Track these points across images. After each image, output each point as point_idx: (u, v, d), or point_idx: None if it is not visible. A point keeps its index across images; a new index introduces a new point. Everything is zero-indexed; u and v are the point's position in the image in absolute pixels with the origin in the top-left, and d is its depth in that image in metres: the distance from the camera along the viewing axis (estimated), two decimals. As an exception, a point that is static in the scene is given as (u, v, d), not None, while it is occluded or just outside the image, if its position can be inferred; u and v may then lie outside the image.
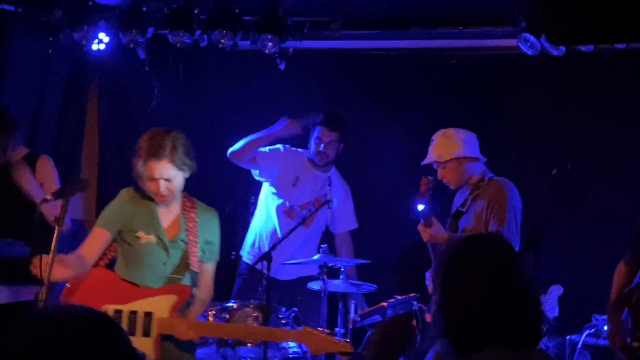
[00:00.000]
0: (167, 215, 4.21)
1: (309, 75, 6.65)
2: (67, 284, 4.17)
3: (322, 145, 5.87)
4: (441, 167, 4.75)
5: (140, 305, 4.02)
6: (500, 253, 2.28)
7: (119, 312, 4.01)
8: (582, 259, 5.73)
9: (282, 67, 6.34)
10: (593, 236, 5.72)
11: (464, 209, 4.70)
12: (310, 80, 6.68)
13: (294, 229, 5.28)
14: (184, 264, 4.17)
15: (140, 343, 3.93)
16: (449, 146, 4.72)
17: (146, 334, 3.98)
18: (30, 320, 1.31)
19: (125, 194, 4.24)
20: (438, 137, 4.79)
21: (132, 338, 3.67)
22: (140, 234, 4.14)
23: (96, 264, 4.27)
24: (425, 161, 4.80)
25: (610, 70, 5.92)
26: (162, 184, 4.04)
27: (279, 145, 5.97)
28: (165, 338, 4.04)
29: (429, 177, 4.53)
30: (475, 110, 6.18)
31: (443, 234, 4.46)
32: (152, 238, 4.14)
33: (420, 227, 4.51)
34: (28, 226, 4.63)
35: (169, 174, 4.03)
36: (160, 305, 4.01)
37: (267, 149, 5.93)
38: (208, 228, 4.25)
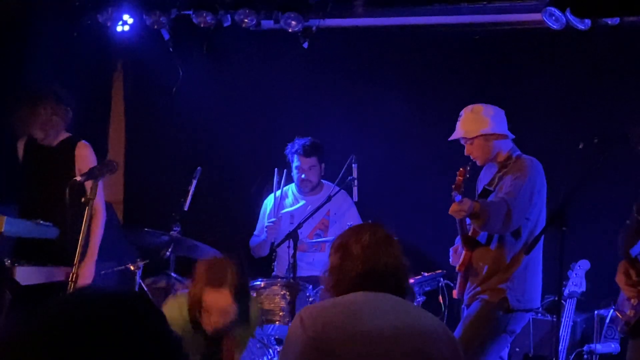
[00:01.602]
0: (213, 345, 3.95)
1: (333, 53, 6.64)
2: None
3: (303, 175, 5.98)
4: (468, 143, 4.73)
5: None
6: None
7: None
8: (609, 234, 5.69)
9: (305, 45, 6.33)
10: (620, 211, 5.69)
11: (492, 188, 4.68)
12: (333, 59, 6.67)
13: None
14: None
15: None
16: (476, 122, 4.70)
17: None
18: (61, 301, 1.33)
19: (176, 315, 3.81)
20: (466, 113, 4.77)
21: None
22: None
23: None
24: (453, 137, 4.79)
25: (636, 43, 5.85)
26: (216, 317, 3.76)
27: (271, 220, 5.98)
28: None
29: (467, 167, 4.52)
30: (500, 86, 6.15)
31: (475, 205, 4.46)
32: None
33: (453, 207, 4.48)
34: (60, 208, 4.69)
35: (227, 307, 3.77)
36: None
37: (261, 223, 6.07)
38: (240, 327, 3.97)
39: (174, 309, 3.84)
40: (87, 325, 1.22)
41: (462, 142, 4.76)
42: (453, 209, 4.46)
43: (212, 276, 3.75)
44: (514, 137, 4.79)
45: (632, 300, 4.16)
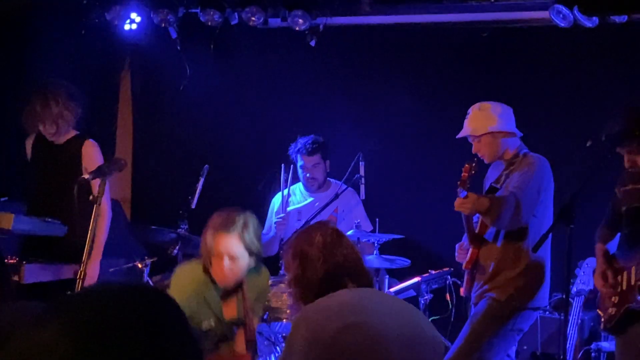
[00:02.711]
0: (228, 300, 4.02)
1: (340, 51, 6.64)
2: None
3: (308, 173, 6.00)
4: (476, 140, 4.72)
5: None
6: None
7: None
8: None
9: (312, 43, 6.33)
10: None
11: (499, 185, 4.68)
12: (340, 57, 6.67)
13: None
14: (240, 340, 4.02)
15: None
16: (484, 120, 4.69)
17: None
18: (77, 296, 1.33)
19: (191, 284, 3.94)
20: (474, 111, 4.77)
21: None
22: (205, 323, 3.94)
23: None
24: (460, 134, 4.78)
25: (644, 40, 5.84)
26: (226, 263, 3.84)
27: (279, 216, 5.99)
28: None
29: (472, 163, 4.51)
30: (507, 84, 6.14)
31: (483, 200, 4.46)
32: (212, 324, 3.96)
33: (458, 202, 4.48)
34: (67, 205, 4.71)
35: (236, 252, 3.84)
36: None
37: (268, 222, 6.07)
38: (259, 289, 4.11)
39: (186, 273, 3.97)
40: (107, 318, 1.22)
41: (470, 139, 4.76)
42: (457, 203, 4.46)
43: (222, 222, 3.85)
44: (521, 134, 4.78)
45: (613, 298, 4.17)
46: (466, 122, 4.77)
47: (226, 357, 4.02)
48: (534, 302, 4.64)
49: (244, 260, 3.87)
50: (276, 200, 6.14)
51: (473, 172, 4.50)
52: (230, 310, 3.99)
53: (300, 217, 5.97)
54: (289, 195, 6.07)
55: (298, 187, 6.19)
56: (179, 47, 6.62)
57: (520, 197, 4.48)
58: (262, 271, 4.13)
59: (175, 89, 6.81)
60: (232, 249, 3.82)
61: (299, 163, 6.02)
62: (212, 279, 3.92)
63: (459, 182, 4.45)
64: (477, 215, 4.68)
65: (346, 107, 6.61)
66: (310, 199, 6.10)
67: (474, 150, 4.74)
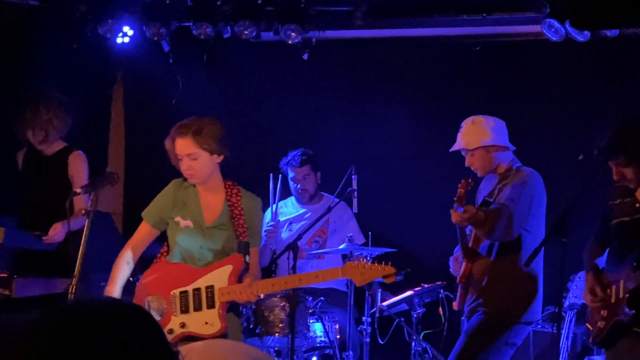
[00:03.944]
0: (210, 201, 4.41)
1: (332, 65, 6.65)
2: (138, 283, 4.48)
3: (298, 185, 6.03)
4: (469, 154, 4.73)
5: (202, 282, 4.28)
6: None
7: (184, 292, 4.29)
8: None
9: (305, 57, 6.34)
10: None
11: (492, 199, 4.68)
12: (333, 70, 6.68)
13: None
14: (226, 250, 4.35)
15: (208, 316, 4.21)
16: (477, 134, 4.70)
17: (210, 305, 4.24)
18: (59, 310, 1.33)
19: (171, 183, 4.50)
20: (467, 125, 4.77)
21: (198, 313, 4.14)
22: (178, 219, 4.38)
23: (159, 258, 4.51)
24: (454, 148, 4.79)
25: (635, 55, 5.87)
26: (186, 162, 4.26)
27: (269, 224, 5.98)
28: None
29: (468, 179, 4.52)
30: (499, 98, 6.16)
31: (479, 213, 4.46)
32: (190, 223, 4.35)
33: (455, 216, 4.49)
34: (57, 219, 4.69)
35: (192, 152, 4.24)
36: (219, 277, 4.26)
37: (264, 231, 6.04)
38: (253, 214, 4.46)
39: (163, 192, 4.47)
40: (84, 335, 1.23)
41: (463, 153, 4.76)
42: (455, 217, 4.46)
43: (176, 129, 4.33)
44: (514, 148, 4.79)
45: (602, 312, 4.17)
46: (459, 136, 4.78)
47: (224, 259, 4.31)
48: (527, 316, 4.63)
49: (204, 159, 4.29)
50: (267, 213, 6.14)
51: (469, 188, 4.50)
52: (210, 215, 4.37)
53: (291, 228, 5.98)
54: (277, 205, 6.06)
55: (290, 200, 6.19)
56: (171, 61, 6.63)
57: (513, 210, 4.49)
58: (254, 197, 4.56)
59: (168, 102, 6.80)
60: (188, 149, 4.26)
61: (290, 175, 6.04)
62: (187, 181, 4.40)
63: (455, 198, 4.45)
64: (470, 227, 4.68)
65: (339, 120, 6.61)
66: (302, 210, 6.11)
67: (467, 164, 4.75)
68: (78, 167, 5.18)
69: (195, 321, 4.23)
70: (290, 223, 6.06)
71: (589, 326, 4.31)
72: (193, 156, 4.26)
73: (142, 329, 1.30)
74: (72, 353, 1.21)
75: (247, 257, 4.31)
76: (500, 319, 4.59)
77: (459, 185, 4.49)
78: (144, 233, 4.48)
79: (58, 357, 1.20)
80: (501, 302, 4.60)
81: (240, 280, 4.31)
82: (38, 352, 1.20)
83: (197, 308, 4.23)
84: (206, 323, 4.17)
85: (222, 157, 4.37)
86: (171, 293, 4.29)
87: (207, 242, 4.34)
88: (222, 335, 4.20)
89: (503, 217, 4.46)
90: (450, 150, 4.82)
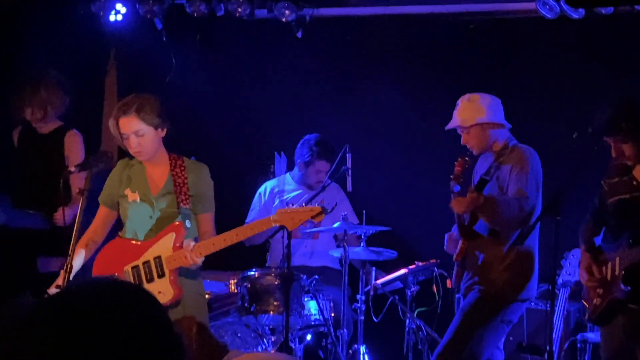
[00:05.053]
0: (156, 174, 4.47)
1: (326, 43, 6.62)
2: (94, 264, 4.47)
3: (321, 176, 5.95)
4: (465, 132, 4.72)
5: (150, 254, 4.34)
6: None
7: (135, 267, 4.34)
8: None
9: (299, 35, 6.32)
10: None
11: (488, 177, 4.67)
12: (327, 48, 6.66)
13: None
14: (171, 217, 4.38)
15: (160, 285, 4.27)
16: (473, 111, 4.69)
17: (161, 275, 4.30)
18: (70, 291, 1.32)
19: (118, 163, 4.56)
20: (463, 102, 4.76)
21: (151, 284, 4.20)
22: (127, 192, 4.43)
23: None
24: (449, 126, 4.78)
25: (630, 33, 5.85)
26: (134, 140, 4.29)
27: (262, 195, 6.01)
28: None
29: (465, 158, 4.51)
30: (494, 75, 6.15)
31: (478, 199, 4.47)
32: (137, 195, 4.41)
33: (453, 202, 4.50)
34: (51, 197, 4.70)
35: (138, 129, 4.28)
36: (164, 246, 4.32)
37: (257, 205, 6.09)
38: (198, 181, 4.48)
39: (111, 173, 4.49)
40: (83, 321, 1.22)
41: (459, 131, 4.76)
42: (454, 204, 4.47)
43: (119, 108, 4.35)
44: (510, 126, 4.78)
45: (598, 289, 4.19)
46: (455, 113, 4.77)
47: (163, 230, 4.35)
48: (523, 293, 4.65)
49: (150, 134, 4.32)
50: (268, 185, 6.12)
51: (467, 166, 4.50)
52: (156, 186, 4.43)
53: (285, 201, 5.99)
54: (284, 183, 6.07)
55: (289, 175, 6.18)
56: (164, 39, 6.59)
57: (524, 204, 4.49)
58: (200, 165, 4.59)
59: (161, 81, 6.77)
60: (134, 127, 4.29)
61: (316, 164, 5.98)
62: (134, 159, 4.46)
63: (451, 177, 4.45)
64: None
65: (333, 99, 6.60)
66: (299, 191, 6.09)
67: (462, 142, 4.74)
68: (74, 147, 5.22)
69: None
70: (287, 204, 6.04)
71: (585, 303, 4.34)
72: (140, 132, 4.30)
73: (145, 312, 1.29)
74: (73, 342, 1.20)
75: (187, 223, 4.35)
76: (496, 297, 4.61)
77: (456, 164, 4.49)
78: (102, 216, 4.52)
79: (57, 347, 1.19)
80: (497, 280, 4.61)
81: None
82: (37, 341, 1.20)
83: (150, 280, 4.31)
84: (159, 292, 4.19)
85: (165, 131, 4.41)
86: (124, 270, 4.37)
87: (157, 212, 4.39)
88: (178, 301, 4.26)
89: (511, 210, 4.47)
90: (446, 127, 4.82)
